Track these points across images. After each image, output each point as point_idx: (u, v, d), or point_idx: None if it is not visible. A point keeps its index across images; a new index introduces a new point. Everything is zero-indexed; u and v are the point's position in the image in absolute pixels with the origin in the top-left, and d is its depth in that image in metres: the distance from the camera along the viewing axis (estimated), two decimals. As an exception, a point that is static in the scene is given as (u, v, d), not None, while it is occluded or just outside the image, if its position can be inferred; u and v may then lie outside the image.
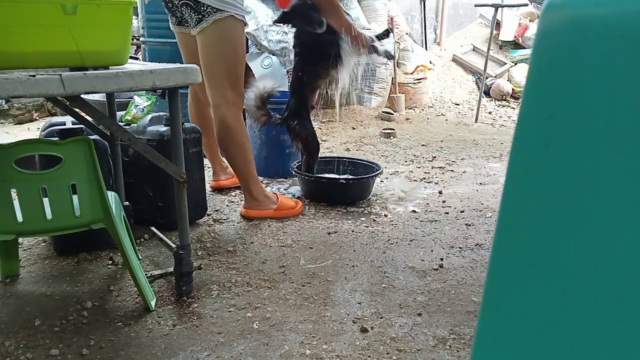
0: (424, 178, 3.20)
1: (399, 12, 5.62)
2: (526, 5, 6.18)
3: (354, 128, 4.57)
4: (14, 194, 1.44)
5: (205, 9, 2.12)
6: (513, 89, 5.95)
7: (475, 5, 6.13)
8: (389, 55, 2.71)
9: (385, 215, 2.55)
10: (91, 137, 1.75)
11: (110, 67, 1.52)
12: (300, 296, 1.78)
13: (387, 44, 5.15)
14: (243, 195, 2.54)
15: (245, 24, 2.26)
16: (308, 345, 1.50)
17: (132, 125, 2.34)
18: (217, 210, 2.57)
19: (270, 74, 4.53)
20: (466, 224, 2.46)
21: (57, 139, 1.75)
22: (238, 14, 2.19)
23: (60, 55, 1.41)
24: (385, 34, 2.86)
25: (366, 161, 3.01)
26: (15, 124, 4.49)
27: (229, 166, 2.88)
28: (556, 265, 0.42)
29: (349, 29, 2.44)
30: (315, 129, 2.78)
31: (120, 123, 2.25)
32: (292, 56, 2.81)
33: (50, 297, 1.74)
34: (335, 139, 4.17)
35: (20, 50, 1.35)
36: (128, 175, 2.21)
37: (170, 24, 2.42)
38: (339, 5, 2.40)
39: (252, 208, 2.47)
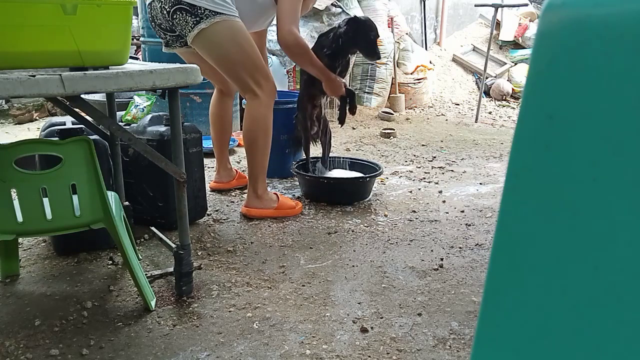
0: (424, 178, 3.20)
1: (399, 12, 5.62)
2: (526, 5, 6.18)
3: (354, 128, 4.58)
4: (14, 194, 1.44)
5: (202, 12, 2.12)
6: (513, 89, 5.95)
7: (475, 5, 6.14)
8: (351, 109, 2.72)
9: (385, 215, 2.55)
10: (91, 137, 1.75)
11: (110, 67, 1.52)
12: (300, 296, 1.78)
13: (386, 44, 5.14)
14: (243, 196, 2.54)
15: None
16: (308, 345, 1.50)
17: (132, 125, 2.34)
18: (217, 210, 2.57)
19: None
20: (466, 224, 2.46)
21: (57, 139, 1.75)
22: (235, 15, 2.19)
23: (60, 55, 1.41)
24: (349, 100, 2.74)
25: (366, 161, 3.01)
26: (15, 124, 4.49)
27: (232, 168, 2.89)
28: (556, 265, 0.42)
29: (324, 74, 2.50)
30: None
31: (120, 123, 2.25)
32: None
33: (50, 297, 1.74)
34: (335, 139, 4.16)
35: (20, 50, 1.35)
36: (128, 175, 2.21)
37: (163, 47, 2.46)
38: (311, 55, 2.43)
39: (253, 206, 2.47)
